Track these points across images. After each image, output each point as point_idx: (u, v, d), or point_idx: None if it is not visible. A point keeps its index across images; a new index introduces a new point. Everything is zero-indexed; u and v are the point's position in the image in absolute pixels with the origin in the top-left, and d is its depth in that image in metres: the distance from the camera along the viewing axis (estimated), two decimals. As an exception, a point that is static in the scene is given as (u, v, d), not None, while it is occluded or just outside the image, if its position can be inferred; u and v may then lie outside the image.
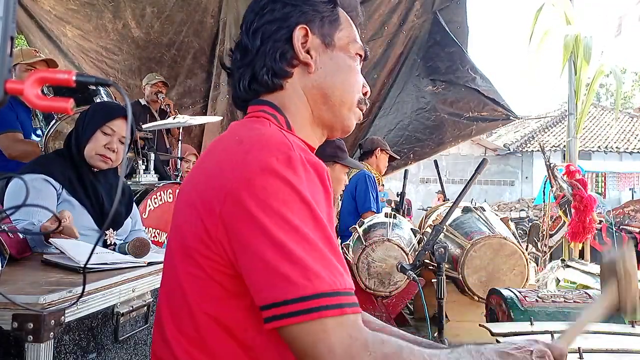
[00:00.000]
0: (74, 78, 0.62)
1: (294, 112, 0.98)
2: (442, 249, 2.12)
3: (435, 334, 2.12)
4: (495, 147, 21.43)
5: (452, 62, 5.06)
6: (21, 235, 1.72)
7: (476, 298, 2.56)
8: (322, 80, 0.99)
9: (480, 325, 1.60)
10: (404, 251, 2.65)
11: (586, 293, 1.91)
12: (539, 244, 4.12)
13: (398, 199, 4.19)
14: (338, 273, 0.77)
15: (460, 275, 2.55)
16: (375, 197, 4.02)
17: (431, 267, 2.84)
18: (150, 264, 1.67)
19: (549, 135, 21.12)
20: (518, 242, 2.67)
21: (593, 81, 4.07)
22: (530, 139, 21.10)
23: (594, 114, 22.38)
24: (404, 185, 4.11)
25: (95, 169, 2.08)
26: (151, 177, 3.24)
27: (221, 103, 5.40)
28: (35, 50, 3.12)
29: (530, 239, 5.22)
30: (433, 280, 2.29)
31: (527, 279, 2.55)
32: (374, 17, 5.00)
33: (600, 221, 5.09)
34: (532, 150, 20.40)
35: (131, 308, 1.52)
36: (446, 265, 2.25)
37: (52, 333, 1.18)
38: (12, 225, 1.73)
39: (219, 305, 0.85)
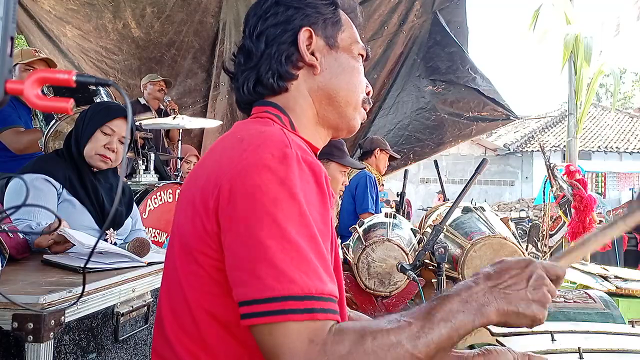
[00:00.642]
0: (74, 78, 0.62)
1: (298, 113, 0.99)
2: (442, 249, 2.12)
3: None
4: (495, 147, 21.43)
5: (452, 62, 5.06)
6: (21, 235, 1.72)
7: (476, 298, 2.56)
8: (327, 81, 1.00)
9: (480, 325, 1.60)
10: (404, 251, 2.65)
11: (586, 293, 1.91)
12: (539, 244, 4.12)
13: (398, 199, 4.19)
14: (315, 276, 0.75)
15: (460, 275, 2.55)
16: (374, 198, 4.02)
17: (431, 267, 2.84)
18: (150, 264, 1.67)
19: (549, 135, 21.12)
20: (518, 242, 2.67)
21: (593, 81, 4.07)
22: (530, 139, 21.10)
23: (594, 114, 22.39)
24: (404, 185, 4.11)
25: (95, 169, 2.08)
26: (151, 177, 3.24)
27: (221, 103, 5.40)
28: (35, 50, 3.13)
29: (530, 239, 5.22)
30: (433, 280, 2.29)
31: (527, 279, 2.55)
32: (374, 17, 5.00)
33: (600, 221, 5.08)
34: (532, 150, 20.40)
35: (131, 308, 1.53)
36: (446, 265, 2.25)
37: (52, 333, 1.18)
38: (12, 225, 1.73)
39: (217, 301, 0.85)
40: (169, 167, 4.23)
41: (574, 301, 1.83)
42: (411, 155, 5.30)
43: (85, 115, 2.09)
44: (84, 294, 1.11)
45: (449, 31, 5.04)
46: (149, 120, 3.85)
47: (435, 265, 2.14)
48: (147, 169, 3.23)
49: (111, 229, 2.07)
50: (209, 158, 0.94)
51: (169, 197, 3.14)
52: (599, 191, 17.49)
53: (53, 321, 1.19)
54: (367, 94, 1.06)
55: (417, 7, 5.13)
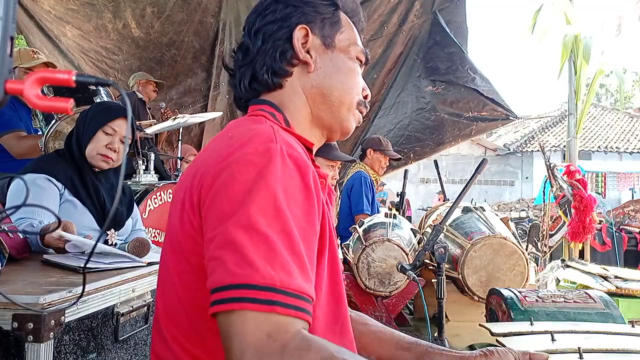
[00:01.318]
0: (74, 78, 0.62)
1: (293, 111, 0.99)
2: (442, 249, 2.12)
3: (435, 334, 2.12)
4: (495, 147, 21.44)
5: (452, 62, 5.06)
6: (21, 235, 1.72)
7: (476, 298, 2.56)
8: (321, 80, 0.99)
9: (480, 325, 1.61)
10: (404, 251, 2.65)
11: (586, 293, 1.91)
12: (539, 244, 4.12)
13: (398, 199, 4.19)
14: (282, 270, 0.73)
15: (460, 275, 2.55)
16: (370, 199, 4.00)
17: (431, 267, 2.84)
18: (150, 264, 1.67)
19: (549, 135, 21.12)
20: (518, 242, 2.67)
21: (593, 81, 4.07)
22: (530, 139, 21.11)
23: (594, 114, 22.39)
24: (404, 185, 4.11)
25: (97, 169, 2.08)
26: (151, 177, 3.24)
27: (221, 103, 5.41)
28: (32, 51, 3.11)
29: (530, 239, 5.22)
30: (433, 280, 2.29)
31: (527, 279, 2.55)
32: (374, 17, 5.00)
33: (600, 221, 5.09)
34: (532, 150, 20.41)
35: (131, 308, 1.52)
36: (446, 265, 2.25)
37: (52, 333, 1.18)
38: (12, 225, 1.73)
39: (209, 298, 0.85)
40: (170, 168, 4.23)
41: (574, 301, 1.83)
42: (411, 155, 5.31)
43: (87, 116, 2.08)
44: (84, 294, 1.11)
45: (449, 31, 5.05)
46: (152, 128, 3.86)
47: (435, 265, 2.14)
48: (147, 169, 3.23)
49: (112, 229, 2.07)
50: (200, 157, 0.94)
51: (169, 197, 3.14)
52: (599, 191, 17.49)
53: (53, 321, 1.19)
54: (365, 97, 1.05)
55: (417, 8, 5.13)
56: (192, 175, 0.88)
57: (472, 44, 5.21)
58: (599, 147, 20.31)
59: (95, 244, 0.86)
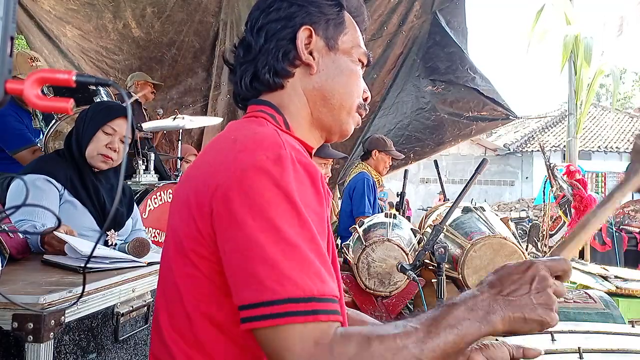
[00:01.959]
0: (74, 78, 0.62)
1: (293, 112, 0.99)
2: (442, 249, 2.12)
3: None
4: (495, 147, 21.44)
5: (452, 62, 5.06)
6: (21, 236, 1.72)
7: (476, 298, 2.56)
8: (323, 82, 0.99)
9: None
10: (404, 251, 2.65)
11: (586, 293, 1.91)
12: (539, 244, 4.12)
13: (398, 199, 4.18)
14: (318, 278, 0.75)
15: (460, 275, 2.55)
16: (372, 201, 4.00)
17: (431, 267, 2.84)
18: (150, 264, 1.67)
19: (549, 135, 21.12)
20: (518, 242, 2.67)
21: (593, 81, 4.08)
22: (530, 139, 21.11)
23: (594, 114, 22.39)
24: (404, 185, 4.10)
25: (97, 169, 2.08)
26: (151, 177, 3.24)
27: (221, 102, 5.41)
28: (31, 59, 3.11)
29: (530, 239, 5.22)
30: (433, 280, 2.29)
31: (527, 279, 2.55)
32: (374, 17, 5.00)
33: (600, 221, 5.08)
34: (532, 150, 20.41)
35: (131, 308, 1.52)
36: (446, 265, 2.25)
37: (52, 333, 1.18)
38: (12, 225, 1.73)
39: (213, 303, 0.85)
40: (170, 168, 4.23)
41: (574, 301, 1.84)
42: (411, 155, 5.31)
43: (86, 116, 2.08)
44: (84, 294, 1.10)
45: (449, 31, 5.05)
46: (149, 124, 3.85)
47: (435, 265, 2.14)
48: (147, 169, 3.23)
49: (112, 229, 2.07)
50: (203, 159, 0.93)
51: (169, 197, 3.14)
52: (599, 191, 17.47)
53: (53, 321, 1.19)
54: (365, 99, 1.05)
55: (417, 8, 5.13)
56: (197, 179, 0.87)
57: (472, 43, 5.22)
58: (599, 147, 20.31)
59: (95, 245, 0.86)
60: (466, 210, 2.97)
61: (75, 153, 2.05)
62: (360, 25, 1.06)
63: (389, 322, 0.80)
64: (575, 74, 3.90)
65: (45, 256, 1.66)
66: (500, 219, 3.01)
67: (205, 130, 5.49)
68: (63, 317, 1.22)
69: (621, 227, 5.65)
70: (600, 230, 5.11)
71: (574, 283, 2.82)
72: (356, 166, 4.34)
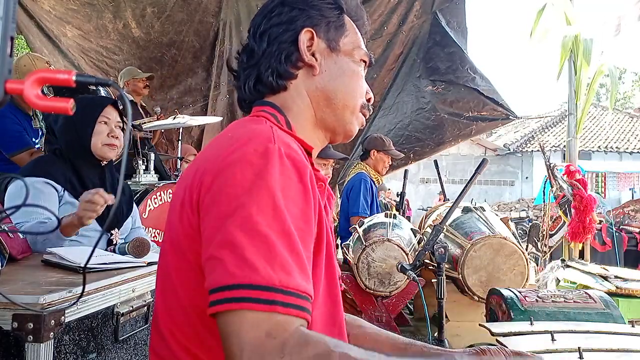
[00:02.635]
0: (74, 78, 0.62)
1: (296, 113, 1.00)
2: (442, 249, 2.12)
3: (435, 334, 2.12)
4: (495, 147, 21.44)
5: (452, 62, 5.06)
6: (21, 235, 1.73)
7: (476, 298, 2.56)
8: (325, 83, 1.00)
9: (480, 325, 1.61)
10: (404, 251, 2.65)
11: (586, 293, 1.91)
12: (539, 244, 4.12)
13: (398, 199, 4.19)
14: (282, 269, 0.73)
15: (460, 275, 2.55)
16: (369, 201, 3.99)
17: (431, 267, 2.84)
18: (150, 264, 1.67)
19: (549, 135, 21.13)
20: (518, 242, 2.67)
21: (593, 81, 4.07)
22: (530, 139, 21.11)
23: (594, 114, 22.39)
24: (404, 185, 4.10)
25: (104, 161, 2.10)
26: (151, 177, 3.24)
27: (221, 102, 5.41)
28: (47, 63, 3.13)
29: (530, 239, 5.22)
30: (433, 280, 2.29)
31: (527, 279, 2.55)
32: (374, 17, 5.00)
33: (600, 221, 5.09)
34: (532, 150, 20.41)
35: (131, 308, 1.53)
36: (446, 265, 2.25)
37: (52, 333, 1.18)
38: (12, 225, 1.73)
39: (207, 296, 0.85)
40: (169, 168, 4.23)
41: (574, 301, 1.83)
42: (411, 155, 5.31)
43: (77, 114, 2.07)
44: (84, 294, 1.11)
45: (449, 31, 5.05)
46: (149, 124, 3.85)
47: (435, 265, 2.14)
48: (147, 169, 3.23)
49: (115, 229, 2.08)
50: (200, 156, 0.94)
51: (169, 197, 3.14)
52: (599, 191, 17.48)
53: (53, 321, 1.19)
54: (368, 100, 1.06)
55: (417, 8, 5.14)
56: (192, 175, 0.88)
57: (472, 43, 5.23)
58: (599, 147, 20.31)
59: (95, 245, 0.86)
60: (466, 210, 2.97)
61: (80, 150, 2.05)
62: (361, 29, 1.08)
63: (367, 350, 0.75)
64: (575, 74, 3.90)
65: (45, 256, 1.66)
66: (500, 219, 3.01)
67: (205, 130, 5.49)
68: (63, 317, 1.22)
69: (621, 227, 5.65)
70: (600, 230, 5.11)
71: (574, 283, 2.82)
72: (355, 166, 4.33)
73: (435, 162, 4.40)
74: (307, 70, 1.00)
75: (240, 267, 0.72)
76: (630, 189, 17.65)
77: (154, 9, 5.09)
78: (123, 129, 2.12)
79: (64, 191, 1.98)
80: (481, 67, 5.11)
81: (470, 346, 1.48)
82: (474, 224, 2.80)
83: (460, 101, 5.11)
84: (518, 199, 20.80)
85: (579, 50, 3.86)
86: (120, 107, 2.14)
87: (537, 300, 1.83)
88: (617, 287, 2.44)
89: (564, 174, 3.57)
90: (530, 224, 7.66)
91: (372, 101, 1.08)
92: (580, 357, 1.24)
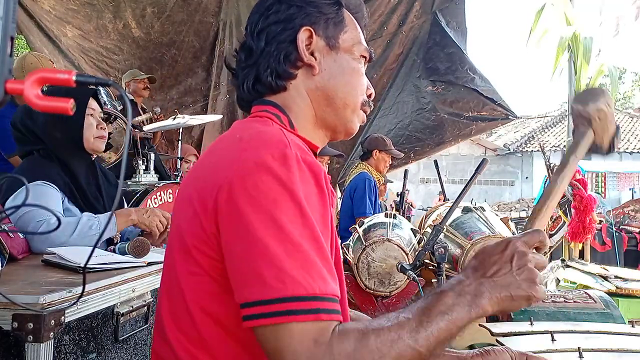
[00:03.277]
0: (74, 78, 0.62)
1: (297, 112, 0.98)
2: (442, 249, 2.12)
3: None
4: (495, 147, 21.44)
5: (452, 62, 5.07)
6: (21, 235, 1.72)
7: (476, 298, 2.56)
8: (325, 82, 0.99)
9: (480, 325, 1.60)
10: (404, 251, 2.65)
11: (586, 293, 1.91)
12: (539, 244, 4.12)
13: (398, 199, 4.18)
14: (319, 277, 0.76)
15: (460, 275, 2.55)
16: (373, 201, 4.00)
17: (431, 267, 2.84)
18: (150, 264, 1.67)
19: (549, 135, 21.12)
20: (518, 242, 2.66)
21: (593, 81, 4.07)
22: (530, 139, 21.11)
23: (594, 114, 22.36)
24: (404, 185, 4.10)
25: (96, 153, 2.10)
26: (151, 177, 3.24)
27: (221, 102, 5.41)
28: (51, 61, 3.12)
29: (530, 239, 5.20)
30: (433, 280, 2.29)
31: (527, 279, 2.55)
32: (374, 18, 5.01)
33: (600, 221, 5.10)
34: (532, 150, 20.40)
35: (131, 308, 1.52)
36: (446, 265, 2.25)
37: (52, 333, 1.18)
38: (12, 225, 1.73)
39: (216, 301, 0.85)
40: (169, 168, 4.23)
41: (574, 301, 1.83)
42: (411, 155, 5.32)
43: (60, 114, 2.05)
44: (84, 294, 1.11)
45: (448, 32, 5.05)
46: (150, 125, 3.86)
47: (435, 265, 2.14)
48: (147, 169, 3.23)
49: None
50: (208, 158, 0.93)
51: (169, 197, 3.14)
52: (599, 191, 17.46)
53: (53, 321, 1.18)
54: (369, 96, 1.05)
55: (417, 8, 5.14)
56: (202, 178, 0.87)
57: (472, 44, 5.24)
58: (599, 147, 20.28)
59: (95, 245, 0.86)
60: (466, 210, 2.97)
61: (72, 146, 2.01)
62: (360, 22, 1.06)
63: (382, 315, 0.80)
64: (575, 74, 3.90)
65: (45, 256, 1.66)
66: (500, 219, 3.01)
67: (205, 130, 5.49)
68: (63, 317, 1.22)
69: (621, 227, 5.65)
70: (600, 230, 5.12)
71: (574, 283, 2.82)
72: (356, 166, 4.34)
73: (435, 162, 4.39)
74: (306, 69, 0.98)
75: (281, 280, 0.73)
76: (630, 189, 17.64)
77: (154, 9, 5.09)
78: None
79: (64, 197, 1.97)
80: (481, 67, 5.12)
81: (471, 346, 1.48)
82: (474, 224, 2.80)
83: (460, 101, 5.12)
84: (518, 199, 20.78)
85: (578, 50, 3.87)
86: (104, 101, 2.13)
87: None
88: (617, 287, 2.44)
89: (564, 174, 3.57)
90: (530, 224, 7.63)
91: (372, 97, 1.06)
92: (580, 357, 1.24)
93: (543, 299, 0.85)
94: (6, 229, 1.59)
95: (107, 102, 3.25)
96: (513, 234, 2.87)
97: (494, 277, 0.82)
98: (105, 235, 1.84)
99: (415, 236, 2.99)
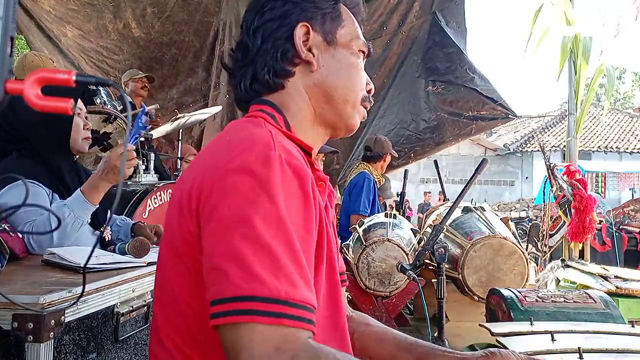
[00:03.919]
0: (74, 78, 0.62)
1: (295, 111, 0.97)
2: (442, 249, 2.12)
3: (435, 334, 2.12)
4: (495, 147, 21.45)
5: (451, 62, 5.07)
6: (21, 235, 1.72)
7: (476, 298, 2.56)
8: (324, 78, 0.97)
9: (480, 325, 1.60)
10: (404, 251, 2.65)
11: (586, 293, 1.91)
12: (539, 244, 4.12)
13: (398, 198, 4.19)
14: (288, 282, 0.72)
15: (460, 275, 2.55)
16: (370, 201, 4.00)
17: (431, 267, 2.84)
18: (150, 264, 1.67)
19: (549, 135, 21.14)
20: (518, 242, 2.67)
21: (593, 81, 4.07)
22: (530, 139, 21.12)
23: (594, 114, 22.39)
24: (404, 185, 4.10)
25: (77, 156, 2.09)
26: (151, 177, 3.24)
27: (221, 102, 5.40)
28: (52, 61, 3.12)
29: (530, 239, 5.22)
30: (433, 280, 2.29)
31: (527, 279, 2.55)
32: (374, 18, 5.01)
33: (600, 221, 5.09)
34: (532, 150, 20.42)
35: (131, 308, 1.53)
36: (446, 265, 2.25)
37: (52, 333, 1.18)
38: (12, 225, 1.73)
39: (205, 302, 0.84)
40: (169, 168, 4.23)
41: (574, 301, 1.83)
42: (412, 155, 5.32)
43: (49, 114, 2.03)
44: (84, 294, 1.11)
45: (448, 32, 5.06)
46: (156, 130, 3.86)
47: (435, 265, 2.14)
48: (147, 169, 3.23)
49: (104, 225, 2.05)
50: (198, 160, 0.92)
51: (169, 197, 3.14)
52: (599, 191, 17.47)
53: (53, 321, 1.19)
54: (369, 91, 1.03)
55: (417, 8, 5.14)
56: (190, 179, 0.86)
57: (471, 43, 5.24)
58: (599, 147, 20.32)
59: (95, 245, 0.86)
60: (466, 210, 2.97)
61: (58, 147, 2.00)
62: (357, 16, 1.04)
63: None
64: (575, 74, 3.89)
65: (45, 256, 1.66)
66: (500, 219, 3.01)
67: (205, 130, 5.50)
68: (63, 317, 1.22)
69: (621, 227, 5.65)
70: (600, 230, 5.11)
71: (574, 283, 2.82)
72: (357, 166, 4.35)
73: (435, 162, 4.40)
74: (304, 66, 0.97)
75: (245, 279, 0.71)
76: (630, 189, 17.67)
77: (154, 9, 5.09)
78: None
79: (52, 194, 1.95)
80: (481, 67, 5.12)
81: (471, 346, 1.48)
82: (474, 224, 2.80)
83: (459, 101, 5.12)
84: (518, 199, 20.80)
85: (578, 50, 3.86)
86: (104, 101, 2.12)
87: (537, 300, 1.82)
88: (617, 287, 2.44)
89: (564, 174, 3.57)
90: (530, 224, 7.66)
91: (372, 92, 1.05)
92: (580, 358, 1.24)
93: None
94: (6, 228, 1.59)
95: (107, 102, 3.25)
96: (513, 234, 2.87)
97: None
98: (83, 215, 1.80)
99: (415, 236, 2.99)
